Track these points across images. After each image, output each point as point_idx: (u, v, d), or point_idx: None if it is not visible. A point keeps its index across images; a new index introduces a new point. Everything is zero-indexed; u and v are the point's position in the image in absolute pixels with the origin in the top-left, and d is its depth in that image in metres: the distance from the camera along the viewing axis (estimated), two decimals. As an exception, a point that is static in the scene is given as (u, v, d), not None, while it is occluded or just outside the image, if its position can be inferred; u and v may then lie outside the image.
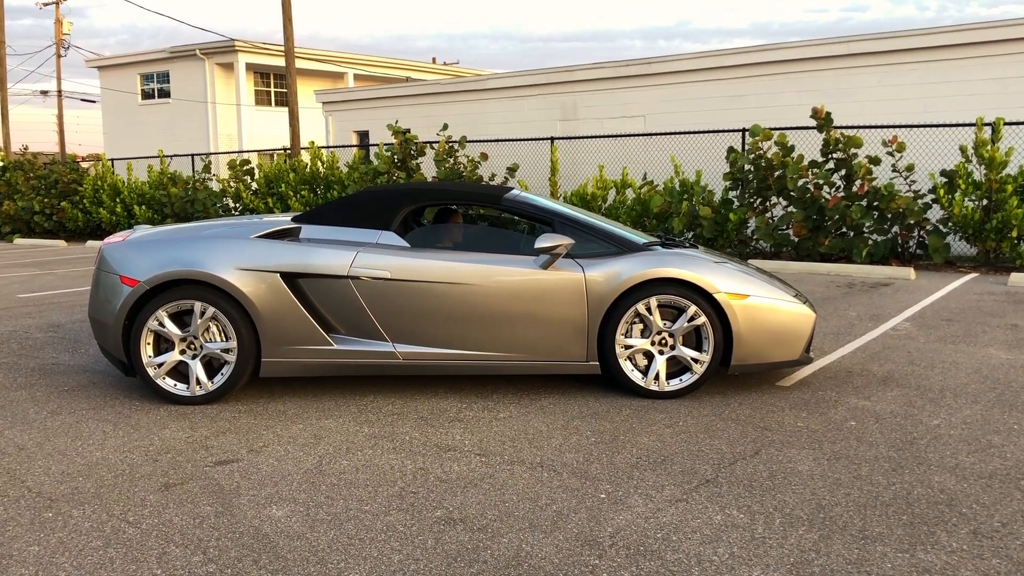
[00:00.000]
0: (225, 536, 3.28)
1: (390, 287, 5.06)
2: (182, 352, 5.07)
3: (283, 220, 5.50)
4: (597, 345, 5.11)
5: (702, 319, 5.03)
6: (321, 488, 3.75)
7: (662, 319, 5.09)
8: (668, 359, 5.13)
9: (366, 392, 5.36)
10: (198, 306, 5.00)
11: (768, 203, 12.80)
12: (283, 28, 19.36)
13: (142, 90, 32.38)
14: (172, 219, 18.78)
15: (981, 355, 6.24)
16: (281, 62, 28.53)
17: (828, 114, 12.14)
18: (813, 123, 14.50)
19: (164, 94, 31.70)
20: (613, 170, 16.87)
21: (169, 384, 5.08)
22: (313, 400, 5.19)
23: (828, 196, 12.07)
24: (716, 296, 5.02)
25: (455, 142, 15.82)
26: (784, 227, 12.38)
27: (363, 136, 22.60)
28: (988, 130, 11.94)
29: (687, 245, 5.69)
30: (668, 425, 4.62)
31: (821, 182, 11.97)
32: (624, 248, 5.23)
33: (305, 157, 19.84)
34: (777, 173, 12.38)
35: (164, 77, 31.64)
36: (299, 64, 26.83)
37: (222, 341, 5.04)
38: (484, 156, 15.43)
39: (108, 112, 33.48)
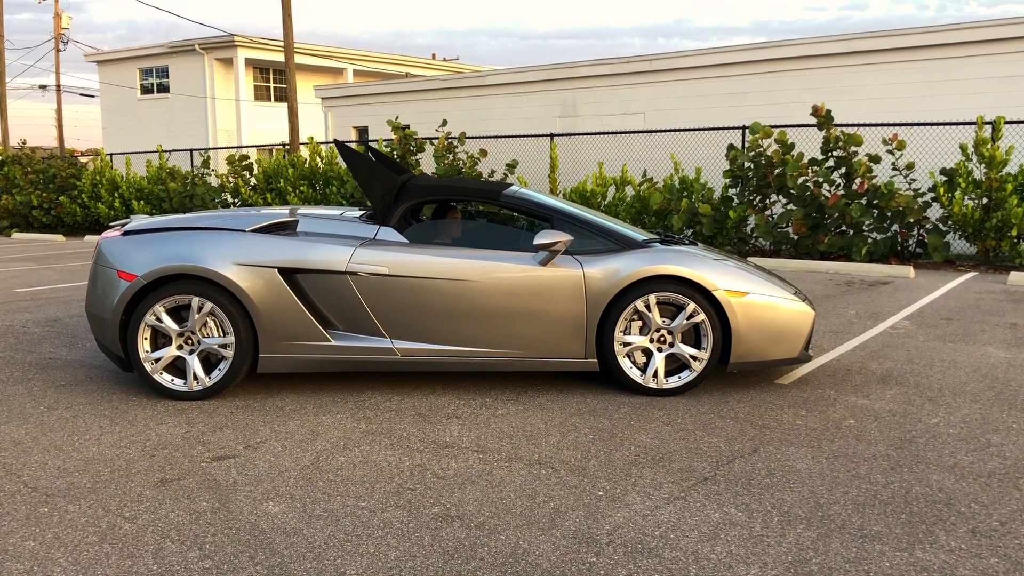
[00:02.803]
0: (221, 532, 3.26)
1: (388, 283, 5.04)
2: (179, 347, 5.06)
3: (281, 212, 5.51)
4: (596, 342, 5.09)
5: (701, 316, 5.02)
6: (318, 484, 3.74)
7: (661, 316, 5.08)
8: (667, 356, 5.12)
9: (364, 388, 5.35)
10: (195, 301, 4.98)
11: (768, 201, 12.78)
12: (282, 23, 19.32)
13: (141, 85, 32.33)
14: (171, 214, 18.75)
15: (980, 354, 6.24)
16: (280, 57, 28.48)
17: (828, 112, 12.12)
18: (813, 121, 14.48)
19: (163, 89, 31.65)
20: (613, 167, 16.85)
21: (166, 379, 5.06)
22: (311, 396, 5.18)
23: (828, 194, 12.06)
24: (715, 293, 5.00)
25: (454, 138, 15.79)
26: (784, 225, 12.37)
27: (362, 132, 22.57)
28: (988, 128, 11.92)
29: (686, 242, 5.68)
30: (666, 423, 4.61)
31: (821, 180, 11.95)
32: (623, 245, 5.22)
33: (304, 153, 19.82)
34: (777, 171, 12.37)
35: (163, 72, 31.59)
36: (299, 60, 26.78)
37: (219, 336, 5.03)
38: (483, 152, 15.41)
39: (107, 107, 33.43)
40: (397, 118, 17.28)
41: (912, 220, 11.53)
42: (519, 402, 5.03)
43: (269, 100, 31.77)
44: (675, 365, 5.14)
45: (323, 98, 23.31)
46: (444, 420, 4.68)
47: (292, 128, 19.80)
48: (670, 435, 4.40)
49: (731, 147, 12.87)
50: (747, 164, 12.65)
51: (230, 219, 5.30)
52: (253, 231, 5.18)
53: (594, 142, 17.46)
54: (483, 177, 15.70)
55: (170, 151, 20.90)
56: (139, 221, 5.46)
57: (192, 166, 19.23)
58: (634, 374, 5.09)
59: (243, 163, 18.03)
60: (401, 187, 5.42)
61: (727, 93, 16.61)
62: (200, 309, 4.99)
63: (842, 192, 11.93)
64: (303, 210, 5.91)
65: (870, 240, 11.76)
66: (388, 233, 5.24)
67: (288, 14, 19.24)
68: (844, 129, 12.75)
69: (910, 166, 11.78)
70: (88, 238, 18.74)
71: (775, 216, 12.78)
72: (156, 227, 5.29)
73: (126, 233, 5.30)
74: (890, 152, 11.75)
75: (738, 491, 3.65)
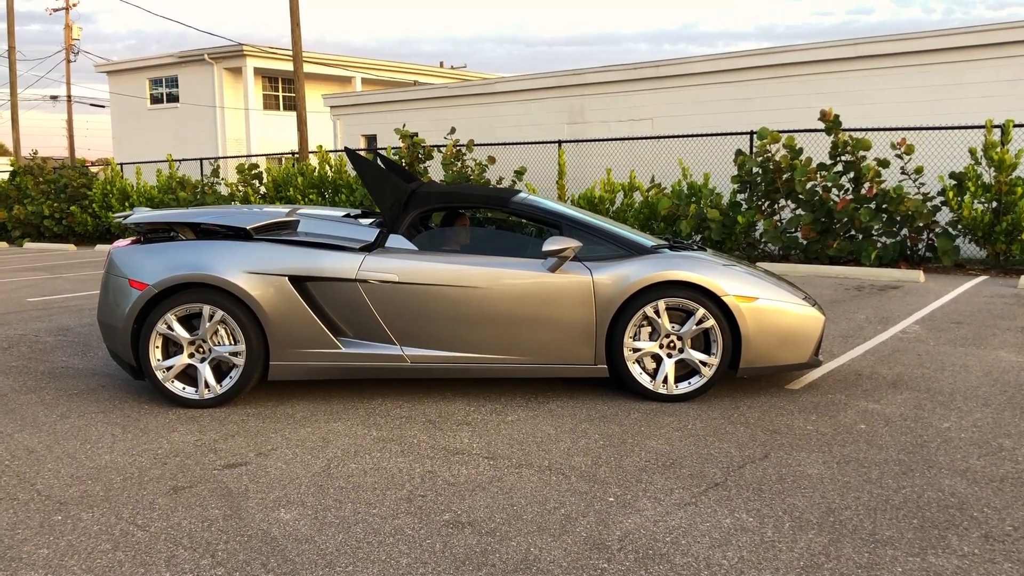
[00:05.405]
0: (233, 539, 3.28)
1: (398, 290, 5.06)
2: (191, 355, 5.08)
3: (281, 212, 5.55)
4: (605, 348, 5.10)
5: (711, 322, 5.01)
6: (329, 491, 3.75)
7: (670, 322, 5.08)
8: (676, 362, 5.11)
9: (374, 395, 5.36)
10: (207, 309, 5.01)
11: (776, 206, 12.76)
12: (291, 32, 19.42)
13: (151, 95, 32.52)
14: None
15: (991, 358, 6.21)
16: (289, 66, 28.59)
17: (836, 116, 12.10)
18: (821, 126, 14.46)
19: (173, 98, 31.83)
20: (621, 173, 16.85)
21: (178, 387, 5.09)
22: (321, 403, 5.20)
23: (837, 199, 12.04)
24: (725, 299, 5.00)
25: (463, 146, 15.83)
26: (792, 230, 12.34)
27: (371, 140, 22.65)
28: (997, 132, 11.89)
29: (695, 248, 5.67)
30: (677, 428, 4.60)
31: (829, 184, 11.93)
32: (632, 251, 5.22)
33: (313, 161, 19.89)
34: (785, 176, 12.35)
35: (173, 82, 31.77)
36: (307, 68, 26.90)
37: (230, 344, 5.05)
38: (492, 159, 15.44)
39: (117, 117, 33.63)
40: (405, 126, 17.34)
41: (921, 224, 11.49)
42: (529, 408, 5.03)
43: (278, 109, 31.90)
44: (685, 371, 5.14)
45: (332, 106, 23.40)
46: (454, 427, 4.69)
47: (301, 136, 19.88)
48: (680, 441, 4.40)
49: (739, 152, 12.86)
50: (755, 169, 12.64)
51: (231, 215, 5.35)
52: (255, 231, 5.20)
53: (602, 148, 17.48)
54: (491, 184, 15.73)
55: (180, 160, 21.02)
56: (141, 214, 5.52)
57: (202, 175, 19.33)
58: (644, 380, 5.09)
59: (252, 172, 18.11)
60: (410, 195, 5.44)
61: (735, 99, 16.60)
62: (211, 317, 5.01)
63: (851, 197, 11.90)
64: (304, 210, 5.94)
65: (879, 244, 11.72)
66: (397, 240, 5.25)
67: (296, 23, 19.34)
68: (852, 134, 12.71)
69: (919, 170, 11.75)
70: (99, 247, 18.84)
71: (784, 221, 12.76)
72: (157, 220, 5.36)
73: (129, 227, 5.41)
74: (899, 156, 11.73)
75: (749, 496, 3.64)
